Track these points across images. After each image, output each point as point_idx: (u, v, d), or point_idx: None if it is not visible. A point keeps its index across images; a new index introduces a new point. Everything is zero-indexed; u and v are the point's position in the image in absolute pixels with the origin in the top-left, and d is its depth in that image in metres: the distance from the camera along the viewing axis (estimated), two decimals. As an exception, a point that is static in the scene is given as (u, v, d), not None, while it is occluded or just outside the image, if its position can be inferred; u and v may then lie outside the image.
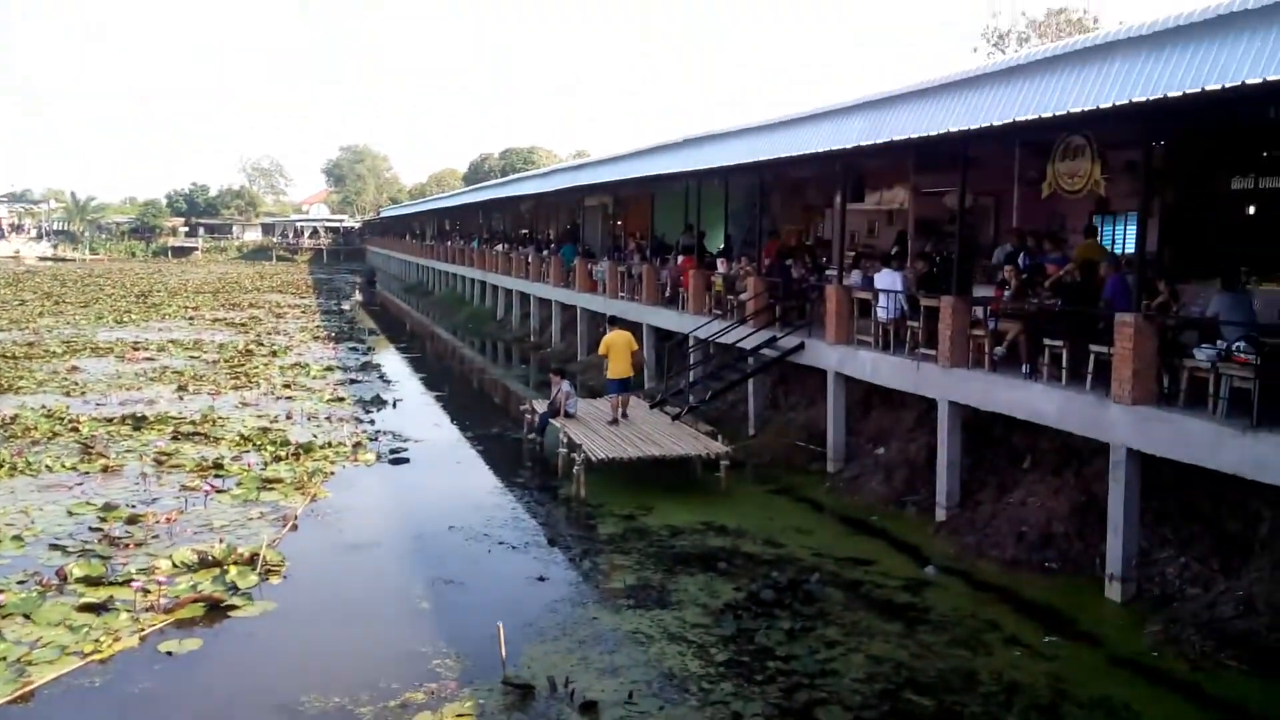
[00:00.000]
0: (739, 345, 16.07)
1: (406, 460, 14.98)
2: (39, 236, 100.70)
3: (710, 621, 8.60)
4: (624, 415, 15.22)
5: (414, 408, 19.95)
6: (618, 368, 15.45)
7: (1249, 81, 7.18)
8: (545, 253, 29.83)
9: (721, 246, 21.71)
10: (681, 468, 13.55)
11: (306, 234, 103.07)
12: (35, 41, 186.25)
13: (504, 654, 7.70)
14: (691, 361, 18.28)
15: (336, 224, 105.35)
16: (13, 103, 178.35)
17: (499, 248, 36.06)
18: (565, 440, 14.25)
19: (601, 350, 15.87)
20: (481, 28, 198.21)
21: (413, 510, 12.62)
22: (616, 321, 17.26)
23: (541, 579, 9.87)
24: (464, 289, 41.89)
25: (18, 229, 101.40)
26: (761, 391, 16.30)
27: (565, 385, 15.62)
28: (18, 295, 45.75)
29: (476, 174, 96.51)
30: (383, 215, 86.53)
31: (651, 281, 21.00)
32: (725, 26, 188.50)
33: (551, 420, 15.39)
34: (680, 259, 20.58)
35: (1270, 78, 7.01)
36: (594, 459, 12.97)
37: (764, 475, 13.85)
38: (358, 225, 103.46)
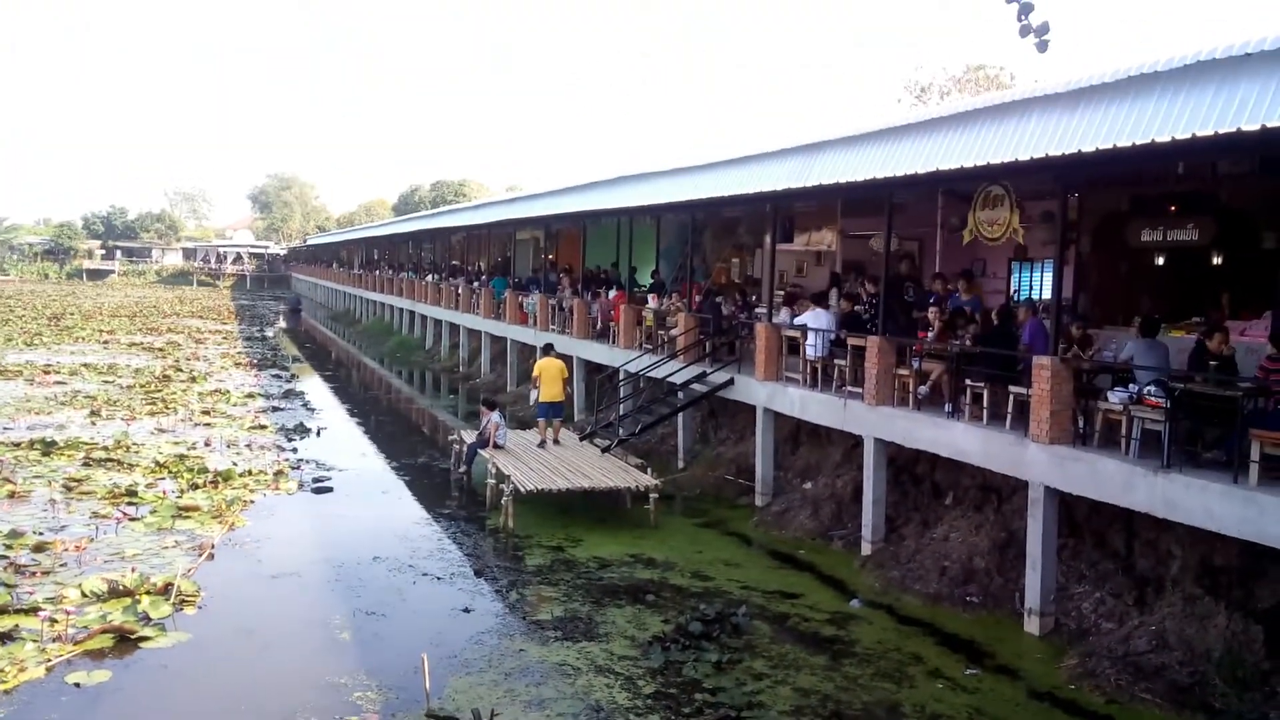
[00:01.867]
0: (669, 380, 16.18)
1: (330, 489, 14.70)
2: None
3: (638, 654, 8.57)
4: (556, 441, 15.36)
5: (339, 436, 19.60)
6: (550, 391, 15.71)
7: (1158, 140, 7.54)
8: (476, 284, 29.70)
9: (651, 282, 21.92)
10: (610, 500, 13.53)
11: (230, 259, 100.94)
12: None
13: (428, 686, 7.56)
14: (622, 395, 18.33)
15: (262, 250, 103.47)
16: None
17: (429, 278, 35.81)
18: (494, 471, 14.14)
19: (535, 373, 16.04)
20: (413, 58, 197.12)
21: (335, 540, 12.34)
22: (551, 349, 17.34)
23: (467, 610, 9.73)
24: (392, 318, 41.42)
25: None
26: (691, 426, 16.41)
27: (495, 416, 15.53)
28: (-80, 314, 43.94)
29: (406, 205, 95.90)
30: (309, 243, 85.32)
31: (583, 315, 21.05)
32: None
33: (480, 451, 15.27)
34: (612, 294, 20.70)
35: (1178, 136, 7.37)
36: (523, 490, 12.88)
37: (693, 508, 13.91)
38: (283, 252, 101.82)
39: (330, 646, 8.77)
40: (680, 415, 16.19)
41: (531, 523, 12.78)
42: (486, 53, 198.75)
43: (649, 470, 14.13)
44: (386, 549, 11.66)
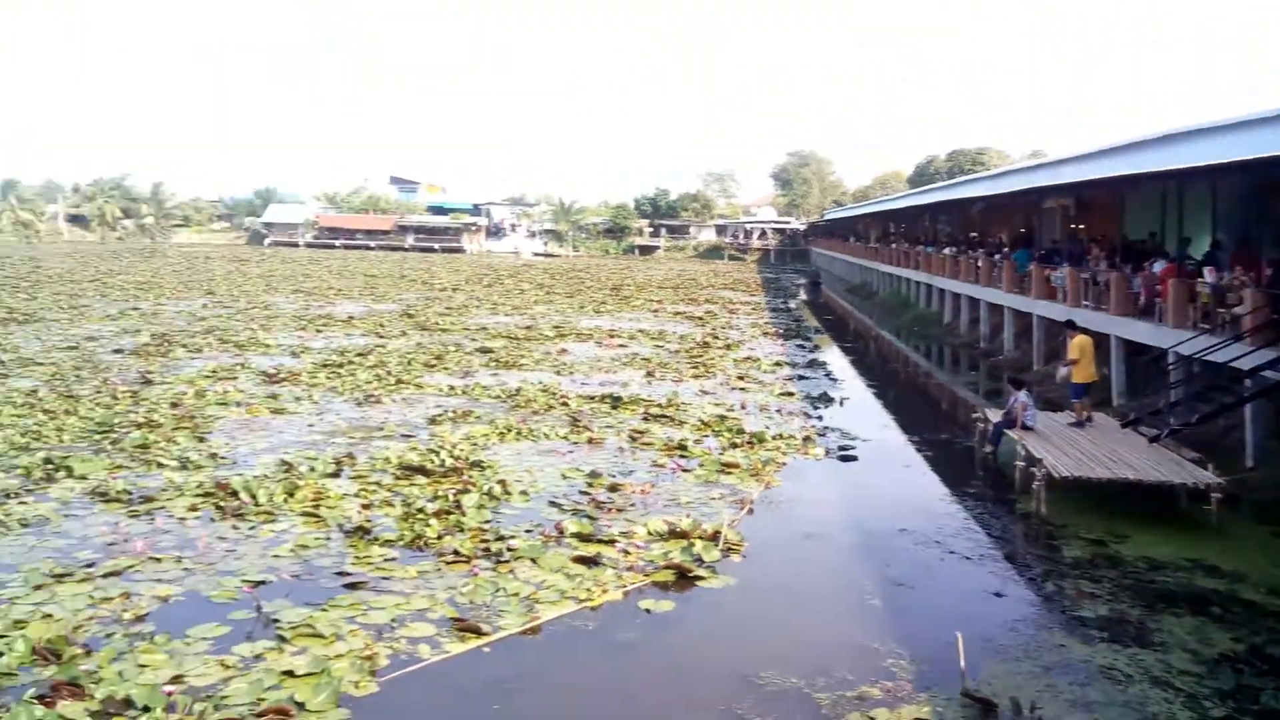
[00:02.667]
0: (1232, 365, 14.17)
1: (854, 458, 15.11)
2: (532, 235, 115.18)
3: (1202, 671, 7.70)
4: (1089, 419, 14.84)
5: (860, 407, 20.06)
6: (1087, 371, 15.19)
7: None
8: (997, 257, 28.44)
9: (1206, 253, 19.29)
10: (1157, 496, 12.25)
11: (755, 235, 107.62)
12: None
13: (963, 665, 7.49)
14: (1172, 379, 16.45)
15: (783, 225, 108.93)
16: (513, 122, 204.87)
17: (946, 251, 35.03)
18: (1023, 453, 13.52)
19: (1074, 354, 15.27)
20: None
21: (861, 507, 12.71)
22: (1074, 325, 16.29)
23: (999, 595, 9.47)
24: (909, 291, 41.22)
25: (516, 228, 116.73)
26: (1263, 419, 14.24)
27: (1022, 395, 14.81)
28: (518, 285, 52.79)
29: (922, 177, 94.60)
30: (826, 217, 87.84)
31: (1121, 290, 19.18)
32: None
33: (1007, 431, 14.70)
34: (1158, 266, 18.58)
35: None
36: (1057, 475, 12.16)
37: (1266, 514, 12.10)
38: (803, 227, 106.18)
39: (862, 610, 9.06)
40: (1248, 406, 14.12)
41: (1066, 511, 12.03)
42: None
43: (1209, 466, 12.55)
44: (911, 522, 11.72)
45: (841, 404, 19.88)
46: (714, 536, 10.50)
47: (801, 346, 29.55)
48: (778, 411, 18.32)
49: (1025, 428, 14.45)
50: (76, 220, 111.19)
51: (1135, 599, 9.26)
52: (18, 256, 68.29)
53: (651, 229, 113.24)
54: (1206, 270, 17.28)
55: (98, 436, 14.18)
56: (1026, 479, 12.98)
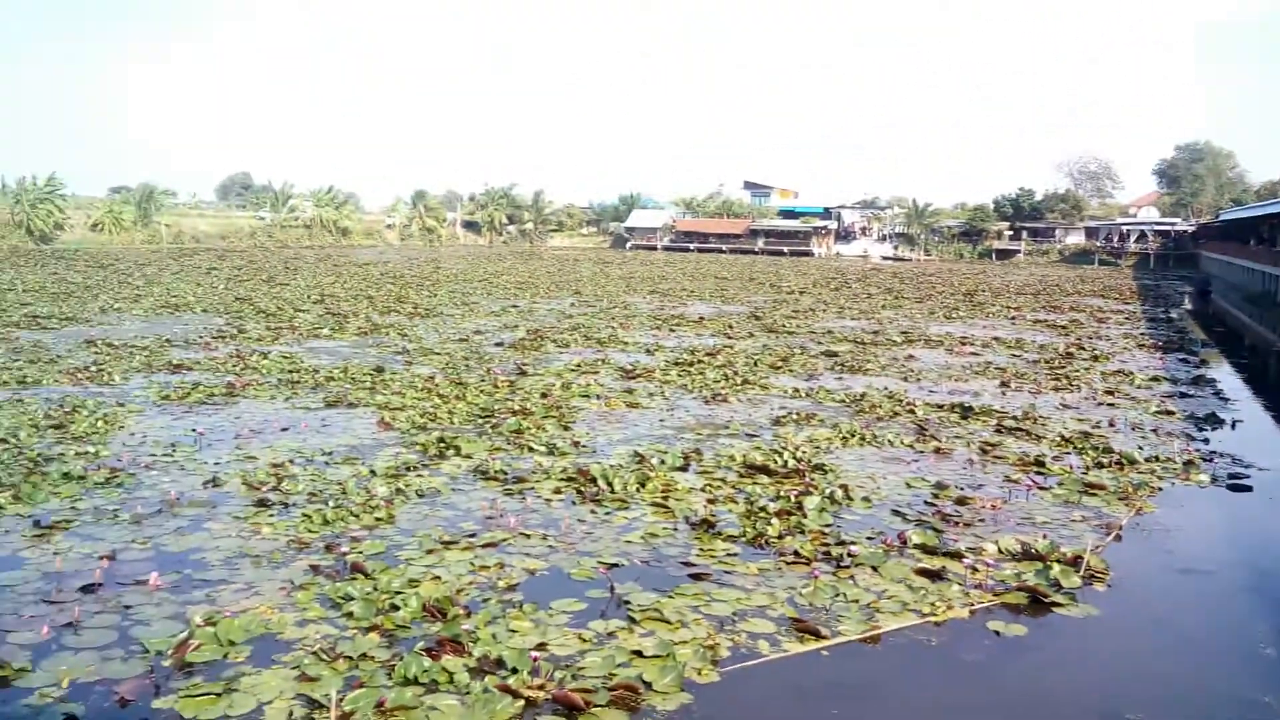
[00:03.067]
0: None
1: (1248, 488, 13.36)
2: (882, 239, 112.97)
3: None
4: None
5: (1256, 431, 17.72)
6: None
7: None
8: None
9: None
10: None
11: (1132, 238, 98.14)
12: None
13: (1382, 736, 6.43)
14: None
15: (1167, 227, 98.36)
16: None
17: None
18: None
19: None
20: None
21: (1255, 544, 11.25)
22: None
23: None
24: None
25: (866, 231, 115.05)
26: None
27: None
28: (865, 289, 52.06)
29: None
30: (1222, 218, 78.19)
31: None
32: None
33: None
34: None
35: None
36: None
37: None
38: (1191, 228, 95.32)
39: (1252, 659, 8.01)
40: None
41: None
42: None
43: None
44: (1323, 567, 10.20)
45: (1233, 427, 17.65)
46: (1074, 561, 9.76)
47: (1185, 361, 26.57)
48: (1153, 431, 16.63)
49: None
50: (470, 226, 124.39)
51: None
52: (423, 258, 77.64)
53: (1011, 231, 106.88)
54: None
55: (481, 420, 15.81)
56: None
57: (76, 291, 38.54)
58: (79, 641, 7.51)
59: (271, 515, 10.66)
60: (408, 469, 12.73)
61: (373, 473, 12.47)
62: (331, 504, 10.98)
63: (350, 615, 8.09)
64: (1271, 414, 20.23)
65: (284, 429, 14.97)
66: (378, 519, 10.62)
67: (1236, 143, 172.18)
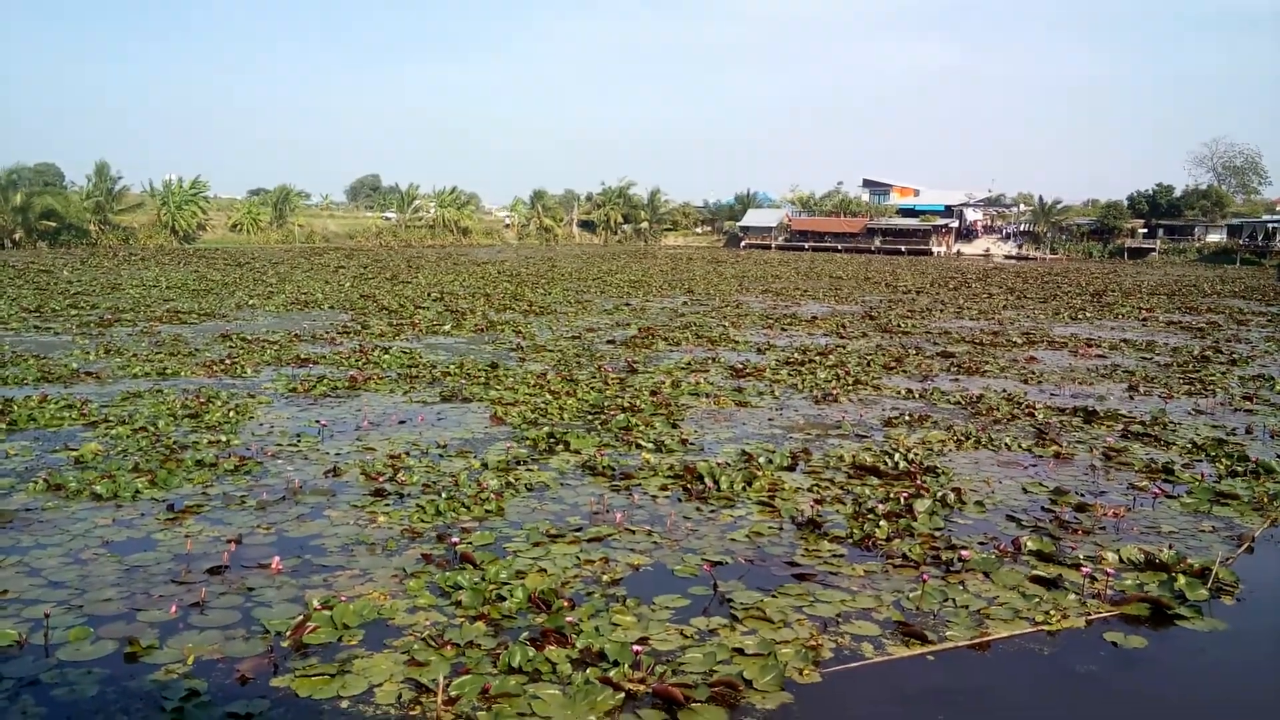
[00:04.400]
0: None
1: (1401, 503, 12.47)
2: (1006, 237, 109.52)
3: None
4: None
5: None
6: None
7: None
8: None
9: None
10: None
11: (1278, 235, 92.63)
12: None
13: None
14: None
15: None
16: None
17: None
18: None
19: None
20: None
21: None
22: None
23: None
24: None
25: (990, 230, 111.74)
26: None
27: None
28: (986, 289, 50.57)
29: None
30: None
31: None
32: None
33: None
34: None
35: None
36: None
37: None
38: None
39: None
40: None
41: None
42: None
43: None
44: None
45: (1386, 436, 16.49)
46: (1201, 573, 9.30)
47: (1334, 366, 24.95)
48: (1294, 439, 15.69)
49: None
50: (586, 225, 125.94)
51: None
52: (539, 257, 78.98)
53: (1146, 229, 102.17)
54: None
55: (590, 417, 16.01)
56: None
57: (215, 288, 40.60)
58: (204, 621, 7.91)
59: (387, 505, 11.03)
60: (518, 463, 12.99)
61: (484, 466, 12.77)
62: (444, 495, 11.29)
63: (459, 604, 8.31)
64: None
65: (401, 422, 15.46)
66: (487, 511, 10.87)
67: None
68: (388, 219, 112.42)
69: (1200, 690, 7.53)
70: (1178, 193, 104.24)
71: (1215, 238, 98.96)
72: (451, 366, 20.76)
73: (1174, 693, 7.43)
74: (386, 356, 21.97)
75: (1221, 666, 7.83)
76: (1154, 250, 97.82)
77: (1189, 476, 13.05)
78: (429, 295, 39.06)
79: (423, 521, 10.49)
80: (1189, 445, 14.92)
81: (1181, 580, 9.12)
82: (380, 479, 11.99)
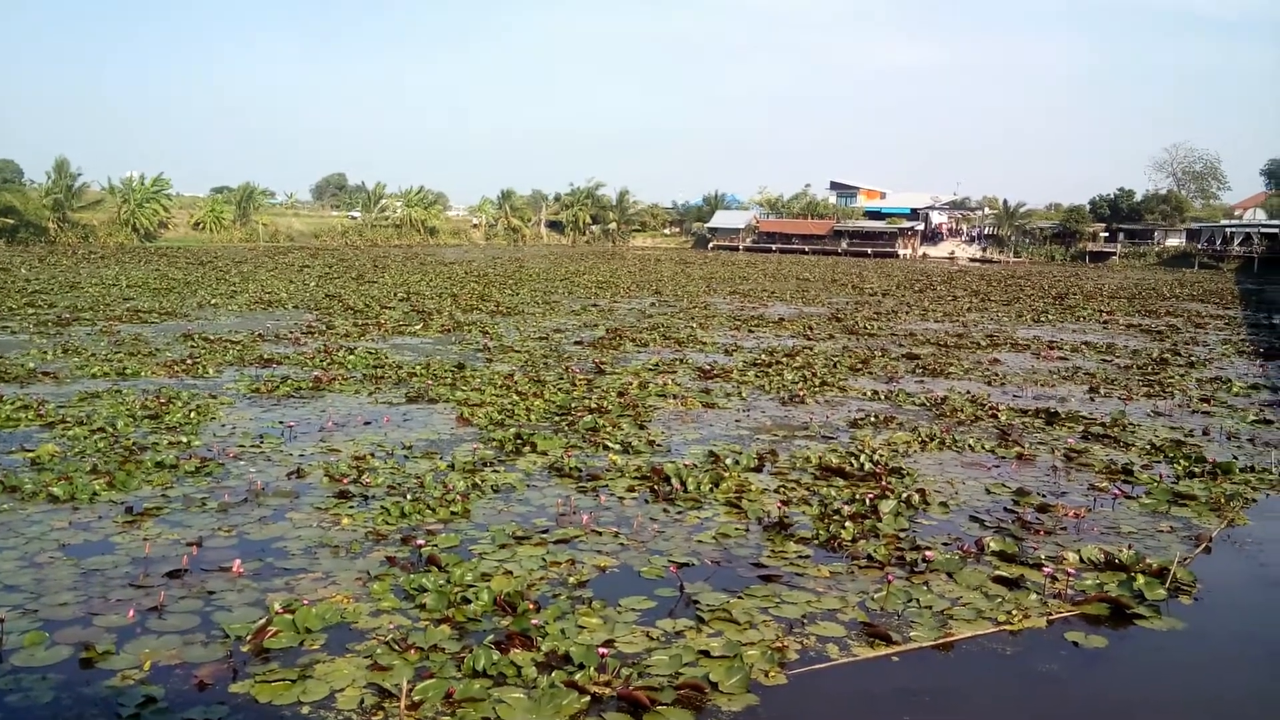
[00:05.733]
0: None
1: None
2: (970, 240, 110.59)
3: None
4: None
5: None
6: None
7: None
8: None
9: None
10: None
11: (1236, 240, 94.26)
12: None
13: None
14: None
15: (1274, 230, 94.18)
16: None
17: None
18: None
19: None
20: None
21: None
22: None
23: None
24: None
25: (954, 233, 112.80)
26: None
27: None
28: (950, 291, 51.03)
29: None
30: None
31: None
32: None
33: None
34: None
35: None
36: None
37: None
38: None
39: (1348, 680, 7.66)
40: None
41: None
42: None
43: None
44: None
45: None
46: (1159, 573, 9.43)
47: (1290, 368, 25.45)
48: (1250, 441, 15.96)
49: None
50: (554, 226, 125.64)
51: None
52: (507, 257, 78.71)
53: (1107, 233, 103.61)
54: None
55: (557, 418, 15.96)
56: None
57: (176, 287, 40.06)
58: (162, 625, 7.79)
59: (351, 507, 10.93)
60: (484, 464, 12.92)
61: (450, 467, 12.70)
62: (409, 497, 11.21)
63: (423, 607, 8.25)
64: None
65: (366, 423, 15.33)
66: (453, 513, 10.80)
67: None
68: (353, 218, 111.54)
69: (1159, 689, 7.65)
70: (1139, 197, 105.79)
71: (1175, 242, 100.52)
72: (418, 367, 20.62)
73: (1134, 692, 7.53)
74: (351, 357, 21.78)
75: (1180, 665, 7.96)
76: (1115, 254, 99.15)
77: (1148, 478, 13.24)
78: (395, 295, 38.79)
79: (387, 524, 10.40)
80: (1148, 446, 15.13)
81: (1141, 580, 9.24)
82: (345, 481, 11.88)
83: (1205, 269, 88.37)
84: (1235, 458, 14.49)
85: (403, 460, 13.06)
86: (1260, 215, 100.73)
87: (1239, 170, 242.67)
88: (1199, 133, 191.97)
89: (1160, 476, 13.27)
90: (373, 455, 13.19)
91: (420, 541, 9.74)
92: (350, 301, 35.60)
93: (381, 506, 10.87)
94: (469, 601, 8.33)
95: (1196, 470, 13.67)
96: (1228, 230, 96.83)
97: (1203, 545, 10.60)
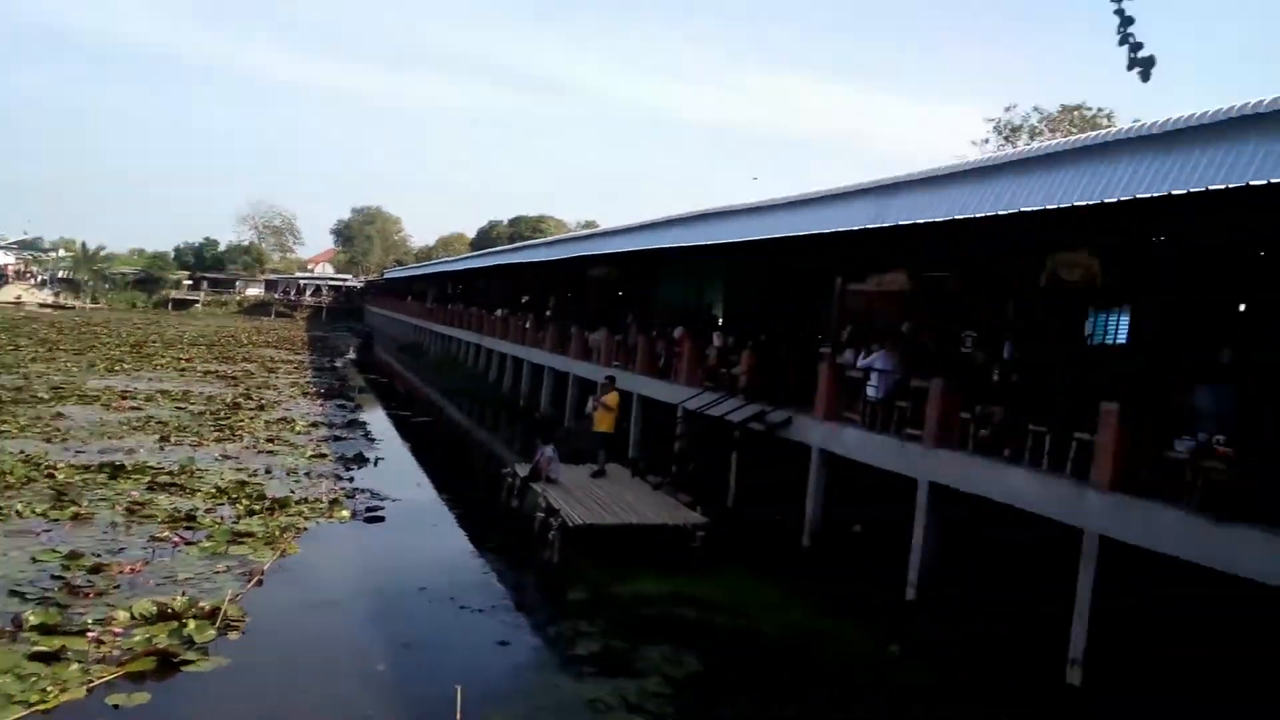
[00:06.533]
0: (727, 418, 16.00)
1: (381, 519, 14.81)
2: (42, 284, 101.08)
3: (671, 692, 8.41)
4: (604, 472, 16.32)
5: (396, 467, 19.81)
6: (609, 422, 16.76)
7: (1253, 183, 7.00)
8: (544, 319, 29.93)
9: (720, 320, 21.84)
10: (659, 537, 13.38)
11: (309, 292, 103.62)
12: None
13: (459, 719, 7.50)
14: (678, 432, 18.19)
15: (340, 283, 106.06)
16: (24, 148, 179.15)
17: (498, 313, 36.26)
18: (544, 505, 14.12)
19: (610, 403, 16.89)
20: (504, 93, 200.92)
21: (382, 570, 12.42)
22: (613, 382, 17.64)
23: (504, 644, 9.69)
24: (459, 352, 41.96)
25: (22, 275, 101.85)
26: (744, 465, 16.19)
27: (548, 450, 15.55)
28: (12, 340, 45.71)
29: (485, 240, 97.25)
30: (386, 276, 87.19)
31: (646, 352, 20.99)
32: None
33: (532, 484, 15.28)
34: (677, 331, 20.65)
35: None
36: (571, 524, 12.83)
37: (741, 549, 13.67)
38: (360, 285, 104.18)
39: (365, 677, 8.76)
40: (734, 454, 16.00)
41: (579, 557, 12.70)
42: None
43: (698, 508, 13.96)
44: (432, 580, 11.69)
45: (376, 464, 19.49)
46: (212, 614, 9.62)
47: (342, 407, 28.69)
48: (306, 475, 17.49)
49: (550, 480, 15.12)
50: None
51: (624, 632, 9.94)
52: None
53: (191, 281, 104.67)
54: (715, 335, 19.49)
55: None
56: (545, 529, 13.54)
57: None
58: None
59: None
60: None
61: None
62: None
63: None
64: (410, 450, 22.84)
65: None
66: None
67: (402, 209, 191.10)
68: None
69: (202, 730, 7.73)
70: (223, 247, 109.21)
71: (255, 291, 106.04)
72: None
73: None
74: None
75: (223, 699, 8.16)
76: (199, 302, 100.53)
77: (210, 521, 13.50)
78: None
79: None
80: (213, 490, 15.47)
81: (192, 625, 9.30)
82: None
83: (282, 317, 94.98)
84: (292, 491, 15.69)
85: None
86: (329, 269, 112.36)
87: (312, 227, 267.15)
88: (278, 192, 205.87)
89: (222, 518, 13.64)
90: None
91: None
92: None
93: None
94: None
95: (257, 508, 14.41)
96: (301, 282, 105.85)
97: (255, 580, 11.15)
